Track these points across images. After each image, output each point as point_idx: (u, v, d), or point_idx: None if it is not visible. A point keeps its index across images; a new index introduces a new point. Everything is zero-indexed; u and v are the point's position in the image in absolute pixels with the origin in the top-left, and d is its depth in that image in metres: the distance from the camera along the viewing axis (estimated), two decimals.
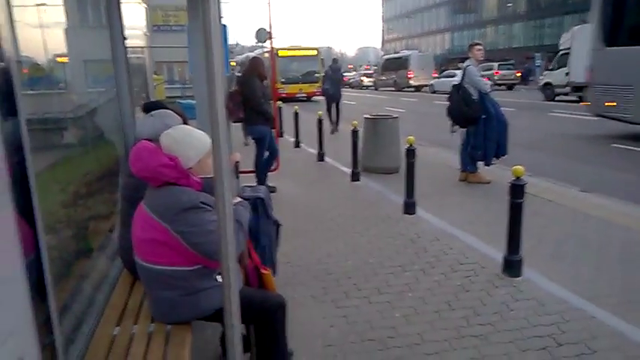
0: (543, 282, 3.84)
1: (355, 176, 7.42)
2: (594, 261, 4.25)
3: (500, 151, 6.87)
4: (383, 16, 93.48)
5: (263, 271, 2.60)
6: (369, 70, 59.78)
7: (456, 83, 7.07)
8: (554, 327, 3.20)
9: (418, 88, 37.34)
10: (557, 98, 23.34)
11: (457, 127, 7.05)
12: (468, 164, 7.12)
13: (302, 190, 7.06)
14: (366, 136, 8.05)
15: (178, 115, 2.83)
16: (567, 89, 21.87)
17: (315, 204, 6.32)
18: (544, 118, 16.83)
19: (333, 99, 13.08)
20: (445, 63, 58.38)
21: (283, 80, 25.86)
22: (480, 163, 7.07)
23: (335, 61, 13.68)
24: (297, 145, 10.87)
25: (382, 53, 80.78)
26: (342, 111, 13.39)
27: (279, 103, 11.71)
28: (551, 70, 24.14)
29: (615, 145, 10.54)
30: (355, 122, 7.45)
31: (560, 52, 23.22)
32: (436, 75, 38.69)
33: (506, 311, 3.44)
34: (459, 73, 21.95)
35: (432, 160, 8.65)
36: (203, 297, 2.23)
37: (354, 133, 7.37)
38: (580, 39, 21.36)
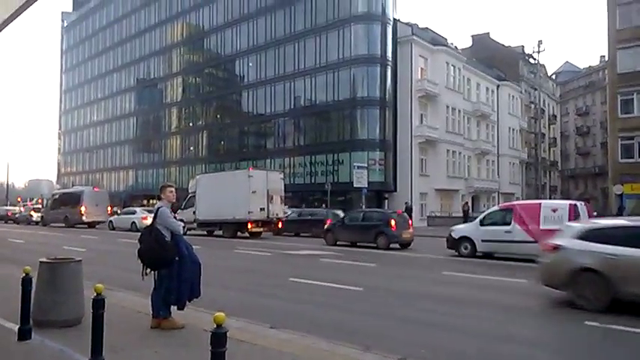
0: None
1: (25, 334, 6.13)
2: None
3: (193, 293, 6.80)
4: (60, 149, 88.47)
5: None
6: (40, 204, 54.30)
7: (148, 225, 6.89)
8: None
9: (91, 225, 36.73)
10: (188, 232, 26.85)
11: (149, 269, 6.74)
12: (161, 309, 6.75)
13: None
14: (42, 284, 6.84)
15: None
16: (195, 225, 27.52)
17: None
18: (230, 256, 17.89)
19: None
20: (129, 199, 57.68)
21: None
22: (173, 307, 6.82)
23: None
24: None
25: (58, 187, 75.22)
26: None
27: None
28: (183, 209, 28.33)
29: (292, 279, 11.79)
30: (28, 268, 6.34)
31: (189, 195, 29.38)
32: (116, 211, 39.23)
33: None
34: (139, 210, 22.12)
35: (121, 305, 7.92)
36: None
37: (26, 281, 6.23)
38: (202, 185, 28.67)
